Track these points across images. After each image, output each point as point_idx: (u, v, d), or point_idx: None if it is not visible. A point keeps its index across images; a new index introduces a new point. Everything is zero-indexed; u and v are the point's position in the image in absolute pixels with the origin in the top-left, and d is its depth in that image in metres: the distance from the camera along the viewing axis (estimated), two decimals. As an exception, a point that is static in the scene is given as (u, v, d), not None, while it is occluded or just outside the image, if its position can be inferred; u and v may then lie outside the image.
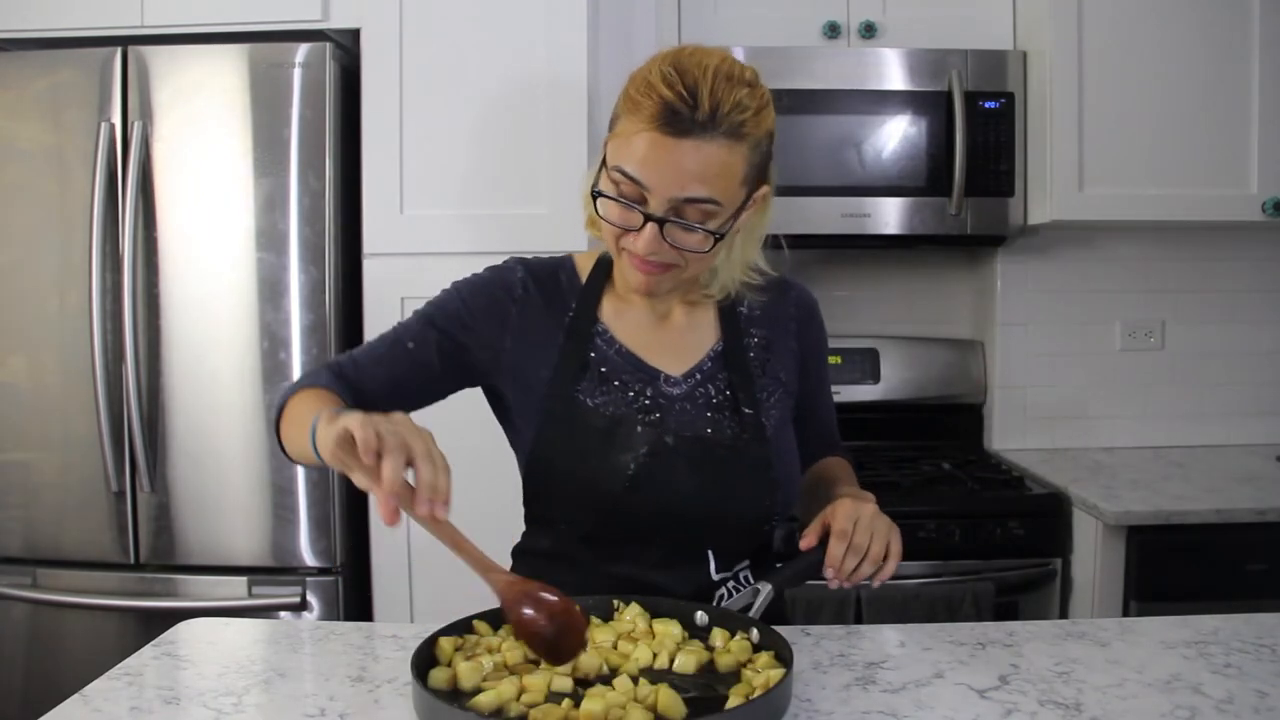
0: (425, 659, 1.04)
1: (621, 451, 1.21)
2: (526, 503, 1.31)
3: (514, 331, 1.27)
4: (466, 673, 1.01)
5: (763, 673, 1.02)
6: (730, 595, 1.26)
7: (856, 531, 1.16)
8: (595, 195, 1.17)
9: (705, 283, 1.29)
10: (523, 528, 1.34)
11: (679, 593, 1.21)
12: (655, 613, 1.16)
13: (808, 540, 1.19)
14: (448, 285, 1.33)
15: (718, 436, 1.24)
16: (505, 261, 1.33)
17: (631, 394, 1.25)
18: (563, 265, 1.34)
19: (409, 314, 2.24)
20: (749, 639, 1.10)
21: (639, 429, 1.22)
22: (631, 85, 1.15)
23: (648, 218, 1.13)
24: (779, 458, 1.26)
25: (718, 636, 1.12)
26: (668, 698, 0.96)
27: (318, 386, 1.21)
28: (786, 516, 1.31)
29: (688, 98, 1.09)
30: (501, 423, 1.33)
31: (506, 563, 1.28)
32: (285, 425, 1.19)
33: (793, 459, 1.31)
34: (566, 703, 0.96)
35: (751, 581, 1.28)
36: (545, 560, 1.27)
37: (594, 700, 0.94)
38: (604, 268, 1.31)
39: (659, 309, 1.30)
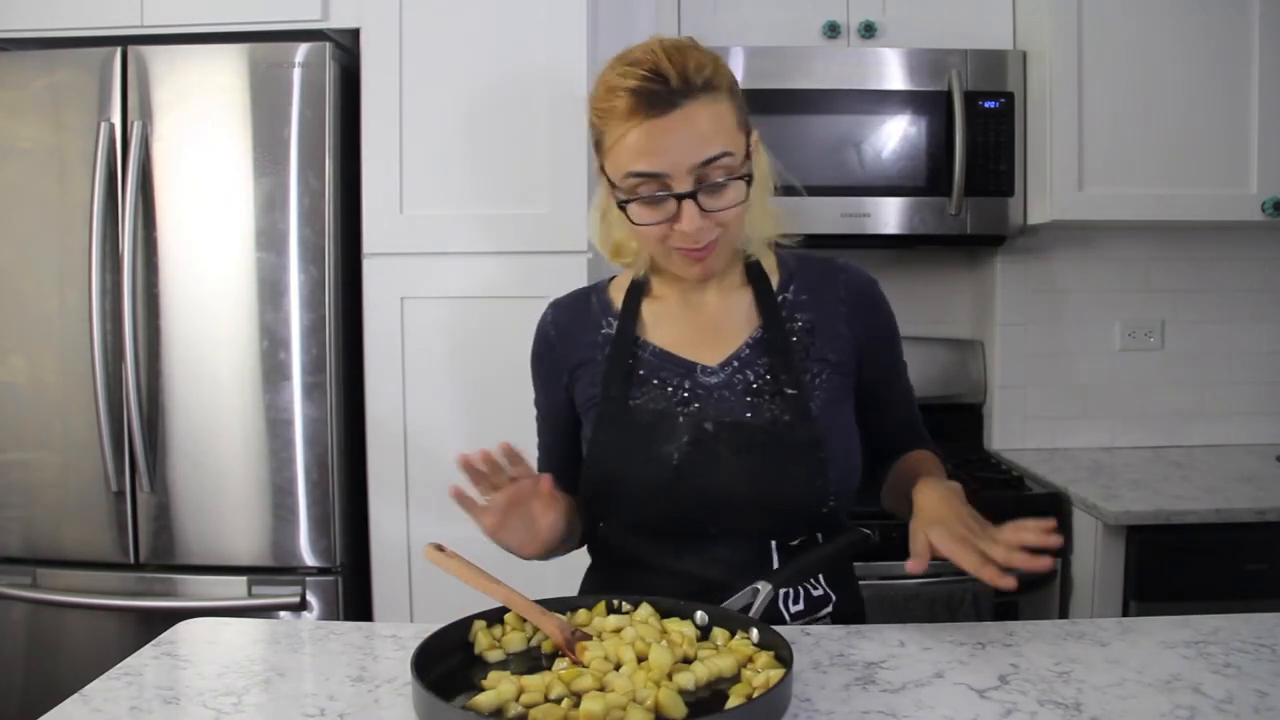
0: (424, 658, 1.04)
1: (664, 443, 1.24)
2: (589, 511, 1.34)
3: (566, 370, 1.35)
4: (515, 641, 1.11)
5: (762, 673, 1.02)
6: (798, 598, 1.27)
7: (950, 525, 1.17)
8: (624, 205, 1.17)
9: (744, 245, 1.29)
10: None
11: (740, 588, 1.20)
12: (663, 613, 1.16)
13: (915, 565, 1.16)
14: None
15: (758, 420, 1.24)
16: (540, 323, 1.39)
17: (670, 389, 1.27)
18: (596, 289, 1.40)
19: (408, 314, 2.25)
20: (749, 639, 1.11)
21: (680, 420, 1.24)
22: (596, 102, 1.18)
23: (680, 198, 1.14)
24: (829, 436, 1.24)
25: (718, 636, 1.13)
26: (668, 698, 0.96)
27: None
28: (847, 510, 1.31)
29: (654, 78, 1.12)
30: None
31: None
32: None
33: (849, 437, 1.29)
34: (566, 703, 0.96)
35: (825, 587, 1.30)
36: (612, 567, 1.34)
37: (594, 700, 0.94)
38: (638, 289, 1.34)
39: (693, 300, 1.31)
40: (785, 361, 1.26)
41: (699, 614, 1.16)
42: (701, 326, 1.31)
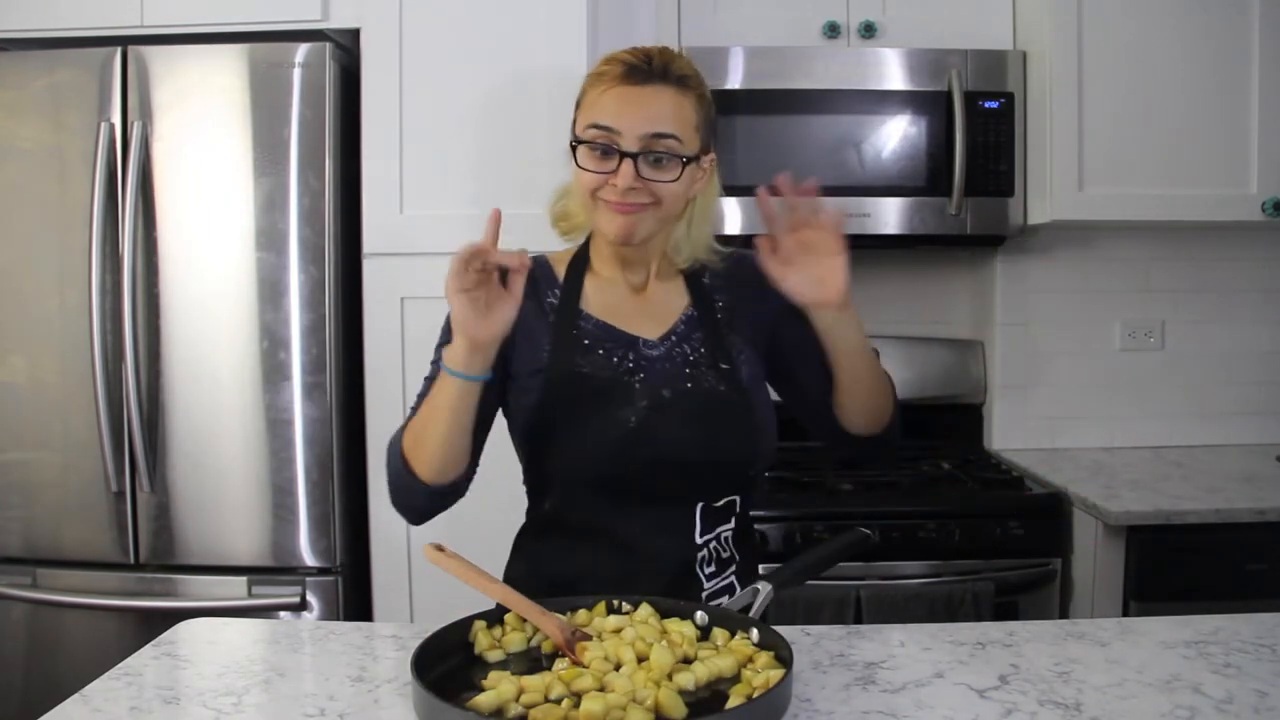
0: (424, 658, 1.04)
1: (621, 407, 1.31)
2: (526, 473, 1.39)
3: (507, 338, 1.30)
4: (515, 641, 1.11)
5: (762, 673, 1.02)
6: (711, 561, 1.34)
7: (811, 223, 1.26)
8: (575, 146, 1.30)
9: (675, 251, 1.40)
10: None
11: (667, 557, 1.30)
12: (663, 613, 1.17)
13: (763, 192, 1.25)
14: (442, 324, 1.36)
15: (698, 390, 1.34)
16: None
17: (616, 359, 1.35)
18: (536, 261, 1.40)
19: (408, 314, 2.24)
20: (749, 639, 1.11)
21: (636, 386, 1.33)
22: (590, 73, 1.35)
23: (623, 156, 1.27)
24: (756, 407, 1.36)
25: (718, 636, 1.13)
26: (668, 697, 0.96)
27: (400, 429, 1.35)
28: (767, 465, 1.42)
29: (644, 59, 1.30)
30: (506, 415, 1.39)
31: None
32: (414, 446, 1.28)
33: (769, 411, 1.39)
34: (566, 703, 0.96)
35: (732, 548, 1.37)
36: (540, 535, 1.37)
37: (594, 700, 0.94)
38: (580, 262, 1.41)
39: (633, 281, 1.40)
40: (716, 339, 1.38)
41: (699, 614, 1.16)
42: (639, 303, 1.40)
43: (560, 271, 1.41)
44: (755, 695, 0.98)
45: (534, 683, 0.99)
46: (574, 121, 1.34)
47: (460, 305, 1.17)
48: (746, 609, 1.16)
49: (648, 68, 1.29)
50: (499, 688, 0.98)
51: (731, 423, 1.33)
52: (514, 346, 1.34)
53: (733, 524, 1.37)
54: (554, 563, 1.34)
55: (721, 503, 1.35)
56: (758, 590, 1.18)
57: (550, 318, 1.37)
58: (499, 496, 1.44)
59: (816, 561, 1.26)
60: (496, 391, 1.35)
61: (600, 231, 1.35)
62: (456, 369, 1.20)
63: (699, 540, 1.33)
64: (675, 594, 1.25)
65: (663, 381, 1.33)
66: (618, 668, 1.04)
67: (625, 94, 1.29)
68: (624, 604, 1.19)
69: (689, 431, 1.31)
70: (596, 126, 1.29)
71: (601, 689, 0.99)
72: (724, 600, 1.30)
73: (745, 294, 1.42)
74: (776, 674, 1.01)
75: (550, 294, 1.39)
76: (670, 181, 1.29)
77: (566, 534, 1.35)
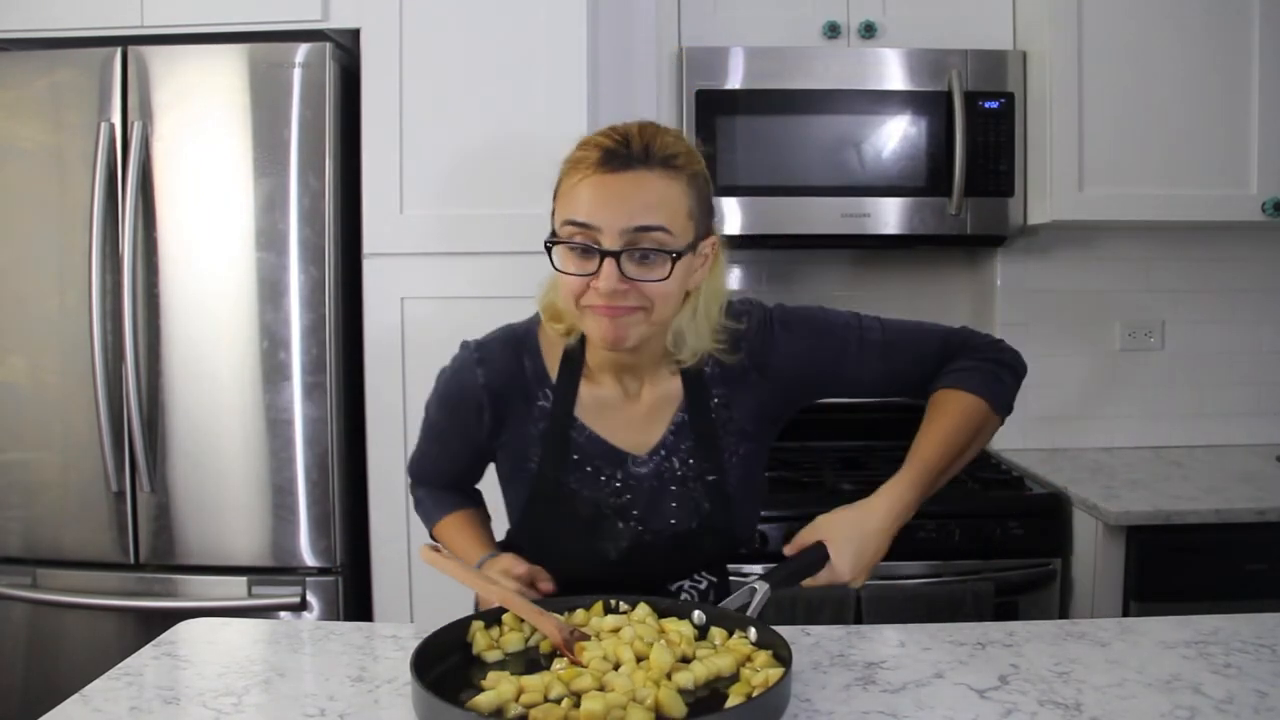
0: (424, 659, 1.04)
1: (604, 540, 1.31)
2: (513, 531, 1.43)
3: (492, 430, 1.33)
4: (513, 641, 1.13)
5: (761, 671, 1.02)
6: (692, 595, 1.37)
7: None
8: (549, 246, 1.19)
9: (677, 347, 1.27)
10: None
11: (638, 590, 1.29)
12: (660, 612, 1.17)
13: (791, 548, 1.24)
14: (437, 381, 1.38)
15: (683, 522, 1.31)
16: (462, 362, 1.33)
17: (603, 478, 1.31)
18: (526, 345, 1.32)
19: (408, 314, 2.25)
20: (747, 638, 1.11)
21: (619, 525, 1.31)
22: (567, 155, 1.21)
23: (603, 255, 1.14)
24: (741, 506, 1.34)
25: (716, 635, 1.13)
26: (668, 697, 0.96)
27: (446, 513, 1.46)
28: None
29: (622, 141, 1.17)
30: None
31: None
32: (442, 543, 1.44)
33: (756, 497, 1.38)
34: (566, 702, 0.96)
35: (707, 577, 1.40)
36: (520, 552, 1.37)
37: (594, 700, 0.94)
38: (574, 362, 1.31)
39: (630, 388, 1.31)
40: (707, 446, 1.31)
41: (696, 613, 1.16)
42: (631, 412, 1.32)
43: (552, 366, 1.31)
44: (754, 694, 0.98)
45: (533, 683, 0.99)
46: (552, 214, 1.21)
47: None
48: (744, 608, 1.16)
49: (626, 151, 1.15)
50: (498, 688, 0.98)
51: (712, 540, 1.34)
52: (502, 440, 1.33)
53: (704, 570, 1.41)
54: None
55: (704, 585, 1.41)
56: (754, 590, 1.17)
57: (541, 425, 1.30)
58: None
59: (811, 562, 1.26)
60: (482, 460, 1.41)
61: (589, 337, 1.23)
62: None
63: (670, 589, 1.38)
64: None
65: (646, 517, 1.30)
66: (616, 667, 1.04)
67: (603, 183, 1.15)
68: (621, 603, 1.19)
69: (668, 561, 1.35)
70: (572, 224, 1.16)
71: (601, 688, 0.99)
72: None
73: (742, 381, 1.32)
74: (775, 673, 1.01)
75: (542, 395, 1.30)
76: (660, 280, 1.15)
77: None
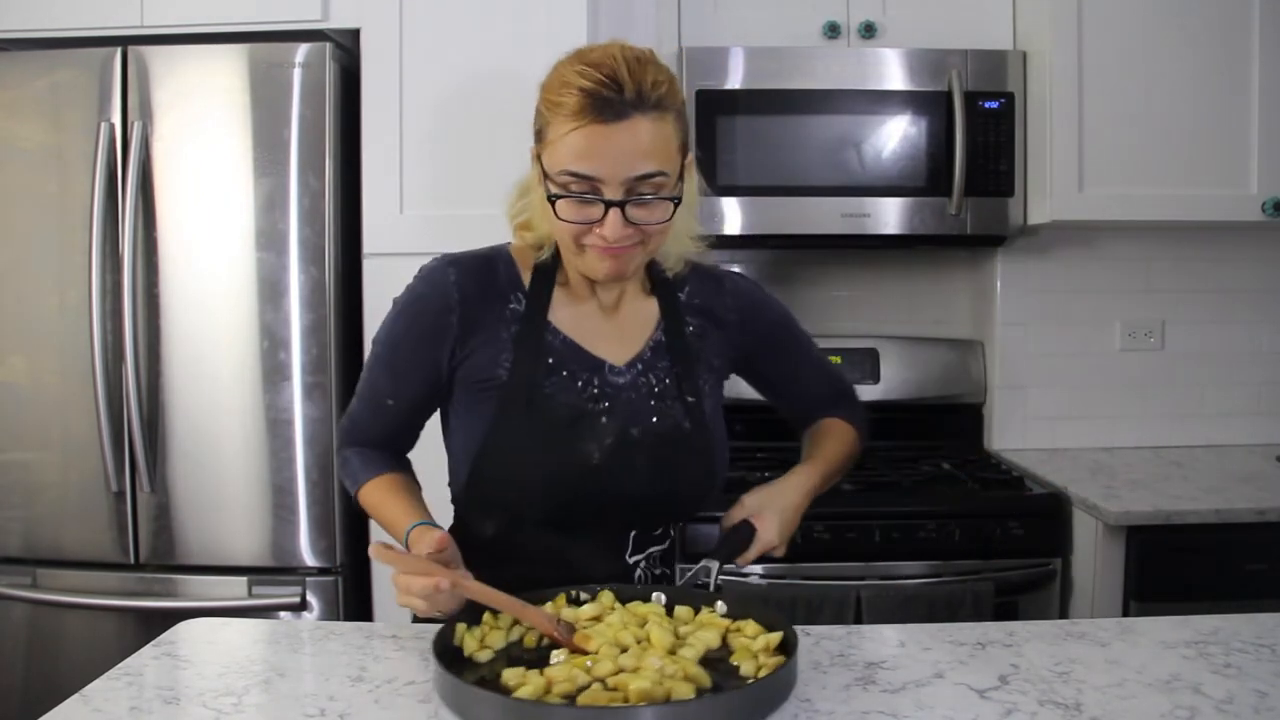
0: (445, 647, 1.07)
1: (585, 441, 1.26)
2: (468, 490, 1.31)
3: (459, 338, 1.28)
4: (498, 639, 1.12)
5: (759, 639, 1.07)
6: (644, 580, 1.34)
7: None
8: (553, 200, 1.18)
9: (664, 259, 1.33)
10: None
11: (597, 572, 1.27)
12: (622, 599, 1.20)
13: (725, 523, 1.35)
14: (394, 304, 1.35)
15: (663, 427, 1.30)
16: (433, 265, 1.32)
17: (580, 383, 1.28)
18: (499, 256, 1.33)
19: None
20: (714, 611, 1.15)
21: (603, 420, 1.27)
22: (547, 92, 1.19)
23: (608, 205, 1.16)
24: (717, 447, 1.34)
25: (682, 614, 1.16)
26: (695, 671, 1.01)
27: (375, 474, 1.35)
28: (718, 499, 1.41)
29: (612, 85, 1.13)
30: (443, 415, 1.36)
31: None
32: (367, 508, 1.36)
33: (724, 446, 1.37)
34: (596, 687, 0.99)
35: (664, 566, 1.38)
36: (470, 549, 1.25)
37: (641, 678, 0.97)
38: (548, 268, 1.31)
39: (606, 301, 1.32)
40: (685, 367, 1.33)
41: (657, 595, 1.19)
42: (609, 323, 1.32)
43: (524, 273, 1.31)
44: (762, 660, 1.03)
45: (559, 673, 1.01)
46: (538, 153, 1.21)
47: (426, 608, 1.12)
48: (702, 586, 1.21)
49: (619, 97, 1.13)
50: (530, 683, 0.99)
51: (693, 462, 1.31)
52: (467, 352, 1.27)
53: (665, 545, 1.38)
54: (484, 578, 1.18)
55: (658, 532, 1.37)
56: (708, 568, 1.23)
57: (514, 327, 1.27)
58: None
59: (745, 538, 1.32)
60: (431, 397, 1.33)
61: (585, 272, 1.25)
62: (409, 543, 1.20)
63: (629, 560, 1.33)
64: None
65: (629, 417, 1.27)
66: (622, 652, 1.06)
67: (599, 134, 1.13)
68: (581, 594, 1.20)
69: (651, 471, 1.27)
70: (573, 175, 1.16)
71: (619, 671, 1.01)
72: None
73: (721, 319, 1.38)
74: (775, 637, 1.06)
75: (514, 298, 1.29)
76: (659, 223, 1.20)
77: (499, 553, 1.29)
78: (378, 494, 1.33)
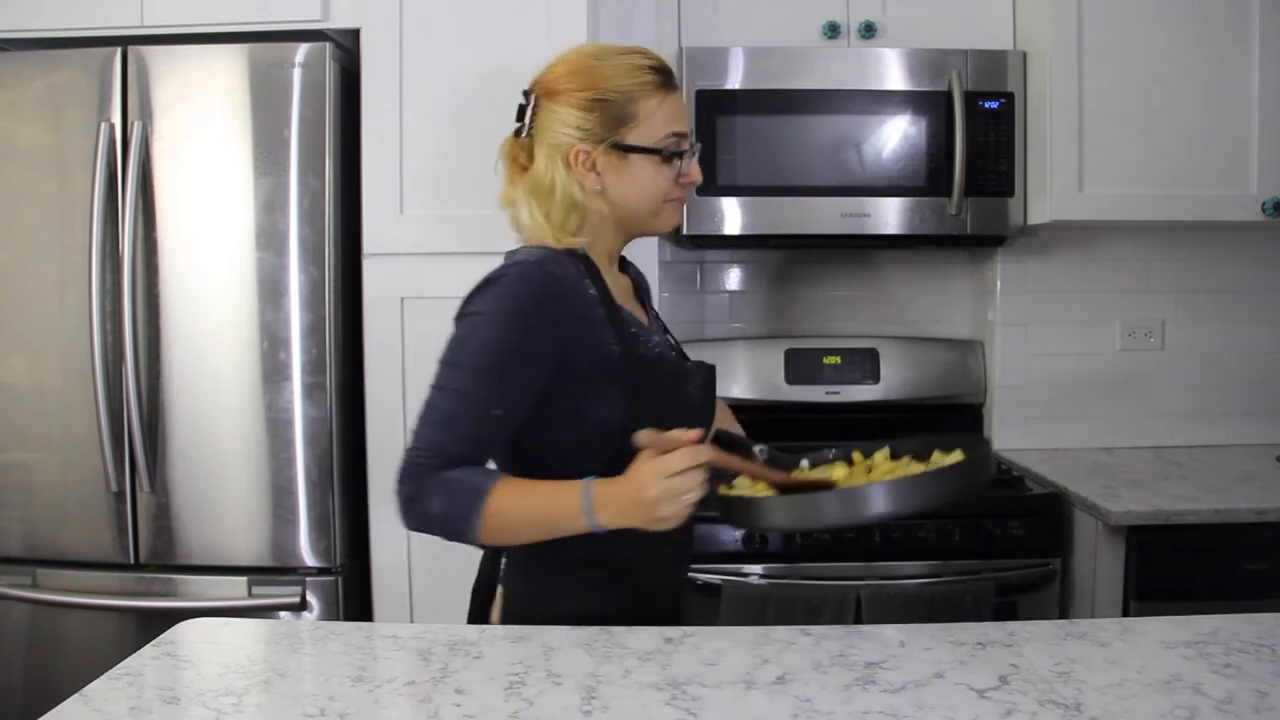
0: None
1: (685, 385, 1.41)
2: (609, 468, 1.24)
3: (568, 321, 1.30)
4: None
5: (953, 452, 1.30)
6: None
7: None
8: (671, 158, 1.35)
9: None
10: None
11: (679, 578, 1.51)
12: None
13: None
14: (481, 314, 1.29)
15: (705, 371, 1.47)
16: (526, 268, 1.31)
17: (657, 348, 1.42)
18: (555, 251, 1.35)
19: (408, 314, 2.24)
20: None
21: (688, 365, 1.45)
22: (616, 80, 1.34)
23: (696, 153, 1.40)
24: None
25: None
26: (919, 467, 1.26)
27: (493, 478, 1.26)
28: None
29: (661, 62, 1.38)
30: (546, 414, 1.32)
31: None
32: (507, 510, 1.24)
33: None
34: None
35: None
36: (586, 541, 1.24)
37: (838, 468, 1.28)
38: (586, 260, 1.37)
39: (616, 277, 1.45)
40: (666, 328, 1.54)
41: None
42: (624, 295, 1.44)
43: (576, 262, 1.35)
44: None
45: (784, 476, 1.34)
46: (617, 130, 1.32)
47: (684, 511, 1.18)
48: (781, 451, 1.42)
49: (669, 69, 1.38)
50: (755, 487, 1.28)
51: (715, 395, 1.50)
52: (577, 341, 1.29)
53: None
54: (588, 599, 1.32)
55: None
56: (764, 450, 1.41)
57: (599, 310, 1.32)
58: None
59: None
60: (539, 398, 1.29)
61: (658, 228, 1.42)
62: (599, 526, 1.20)
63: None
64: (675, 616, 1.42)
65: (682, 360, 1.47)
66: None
67: (676, 99, 1.37)
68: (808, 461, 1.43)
69: (713, 404, 1.47)
70: (676, 134, 1.36)
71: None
72: None
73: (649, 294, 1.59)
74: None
75: (588, 284, 1.33)
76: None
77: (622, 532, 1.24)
78: (514, 488, 1.26)
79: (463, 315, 1.30)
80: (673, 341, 1.50)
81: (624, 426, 1.24)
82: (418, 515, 1.27)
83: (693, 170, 1.39)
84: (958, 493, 1.18)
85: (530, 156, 1.38)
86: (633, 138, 1.33)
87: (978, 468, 1.22)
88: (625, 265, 1.52)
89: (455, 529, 1.25)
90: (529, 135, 1.38)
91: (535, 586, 1.36)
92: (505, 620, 1.37)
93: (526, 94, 1.40)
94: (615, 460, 1.24)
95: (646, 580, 1.38)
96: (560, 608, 1.32)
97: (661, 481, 1.16)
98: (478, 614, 1.42)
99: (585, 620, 1.26)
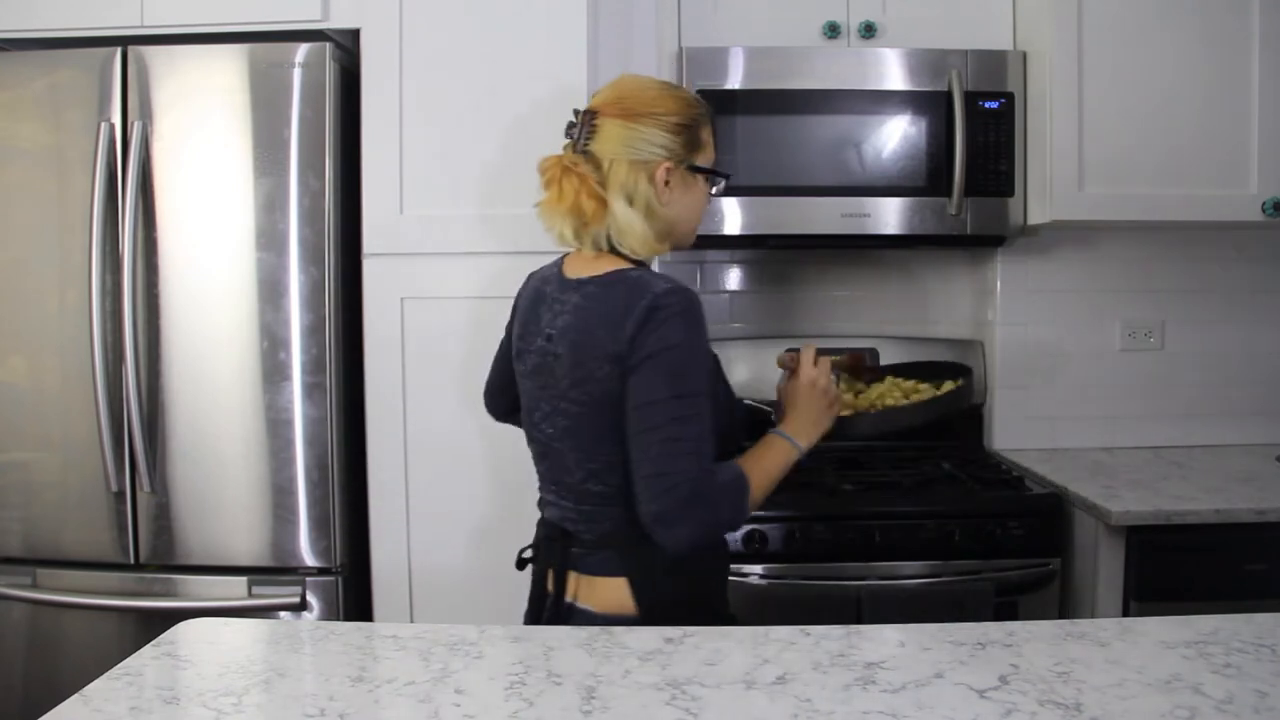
0: None
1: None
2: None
3: None
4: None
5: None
6: None
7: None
8: (717, 180, 1.56)
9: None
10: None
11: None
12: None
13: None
14: (680, 345, 1.41)
15: None
16: (687, 289, 1.44)
17: None
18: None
19: (408, 314, 2.25)
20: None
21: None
22: (687, 109, 1.50)
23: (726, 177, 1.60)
24: None
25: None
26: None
27: (745, 479, 1.45)
28: None
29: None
30: None
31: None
32: (765, 482, 1.49)
33: None
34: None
35: None
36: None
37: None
38: None
39: None
40: None
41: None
42: None
43: None
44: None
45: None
46: (691, 154, 1.50)
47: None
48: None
49: None
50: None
51: None
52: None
53: None
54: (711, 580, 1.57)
55: None
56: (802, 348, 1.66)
57: None
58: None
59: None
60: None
61: (690, 243, 1.59)
62: (804, 449, 1.54)
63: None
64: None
65: None
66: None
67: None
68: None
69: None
70: (716, 161, 1.57)
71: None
72: None
73: None
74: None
75: None
76: None
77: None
78: (748, 465, 1.47)
79: (666, 349, 1.39)
80: None
81: (716, 406, 1.48)
82: (726, 526, 1.49)
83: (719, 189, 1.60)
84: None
85: (597, 169, 1.46)
86: (700, 160, 1.52)
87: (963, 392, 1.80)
88: None
89: (739, 521, 1.61)
90: (584, 150, 1.47)
91: (680, 580, 1.46)
92: (641, 608, 1.43)
93: (587, 113, 1.49)
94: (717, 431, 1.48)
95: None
96: (694, 590, 1.49)
97: (821, 392, 1.58)
98: (537, 610, 1.54)
99: (707, 601, 1.51)
